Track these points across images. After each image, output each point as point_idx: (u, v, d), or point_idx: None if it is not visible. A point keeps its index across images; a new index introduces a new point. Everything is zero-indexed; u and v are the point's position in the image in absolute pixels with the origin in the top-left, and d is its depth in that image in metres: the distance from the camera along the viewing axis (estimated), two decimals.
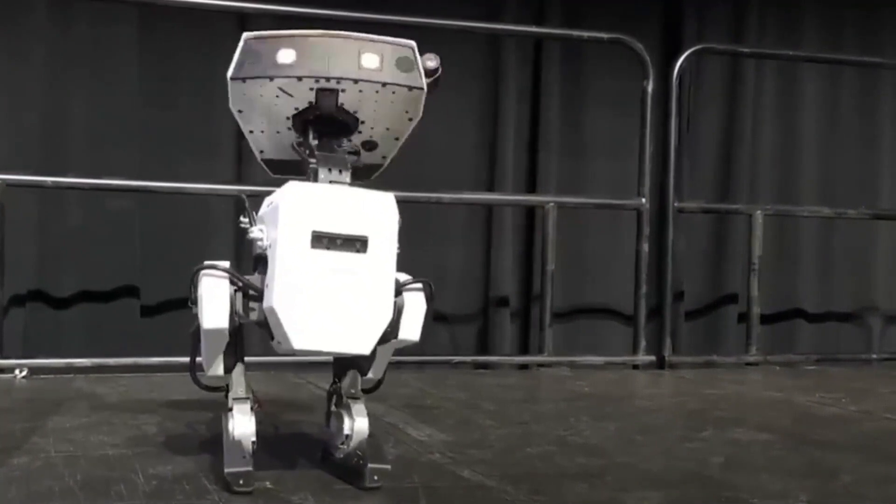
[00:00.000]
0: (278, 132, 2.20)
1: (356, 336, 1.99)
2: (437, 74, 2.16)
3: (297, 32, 2.06)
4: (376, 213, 2.01)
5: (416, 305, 2.10)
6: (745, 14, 5.25)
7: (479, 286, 4.87)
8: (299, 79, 2.05)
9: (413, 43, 2.14)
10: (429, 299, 2.12)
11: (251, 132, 2.21)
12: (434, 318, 4.80)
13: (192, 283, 2.05)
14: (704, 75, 5.15)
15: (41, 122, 4.19)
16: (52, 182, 3.87)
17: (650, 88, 4.46)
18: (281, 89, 2.06)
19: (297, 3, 4.16)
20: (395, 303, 2.05)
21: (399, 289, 2.08)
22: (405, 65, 2.11)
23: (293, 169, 2.29)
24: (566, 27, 4.85)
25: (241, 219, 2.12)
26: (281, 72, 2.03)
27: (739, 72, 5.21)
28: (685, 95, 4.97)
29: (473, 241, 4.88)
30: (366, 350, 2.01)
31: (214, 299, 2.01)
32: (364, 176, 2.26)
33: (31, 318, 4.14)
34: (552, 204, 4.39)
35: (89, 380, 3.56)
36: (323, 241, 1.96)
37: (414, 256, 4.93)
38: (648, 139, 4.47)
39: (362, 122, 2.17)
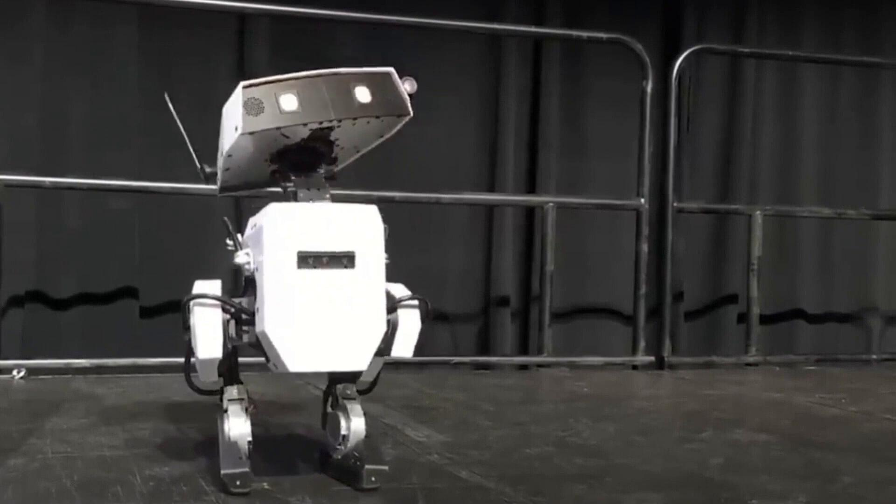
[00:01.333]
0: (253, 165, 2.21)
1: (351, 352, 1.99)
2: (413, 97, 2.18)
3: (292, 76, 2.06)
4: (361, 227, 2.01)
5: (410, 323, 2.11)
6: (744, 14, 5.25)
7: (478, 286, 4.87)
8: (304, 124, 2.05)
9: (392, 69, 2.15)
10: (424, 316, 2.12)
11: (227, 169, 2.21)
12: (434, 318, 4.82)
13: (185, 309, 2.05)
14: (704, 75, 5.15)
15: (40, 122, 4.18)
16: (51, 183, 3.87)
17: (650, 88, 4.46)
18: (282, 134, 2.07)
19: (298, 4, 4.15)
20: (389, 319, 2.05)
21: (394, 305, 2.08)
22: (392, 93, 2.12)
23: (242, 189, 2.34)
24: (566, 27, 4.84)
25: (227, 241, 2.12)
26: (287, 121, 2.03)
27: (739, 72, 5.20)
28: (685, 95, 4.97)
29: (473, 242, 4.87)
30: (362, 366, 2.02)
31: (208, 330, 2.01)
32: None
33: (30, 318, 4.14)
34: (552, 204, 4.39)
35: (88, 381, 3.56)
36: (309, 260, 1.96)
37: (414, 257, 4.96)
38: (648, 139, 4.47)
39: (337, 146, 2.19)
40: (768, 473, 2.37)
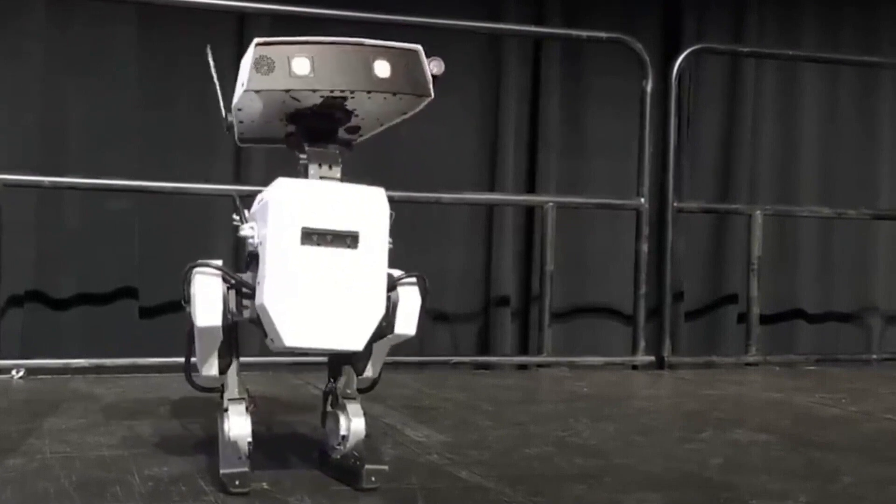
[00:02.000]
0: (268, 122, 2.19)
1: (349, 332, 1.98)
2: (439, 78, 2.15)
3: (309, 39, 2.04)
4: (367, 208, 2.00)
5: (410, 299, 2.09)
6: (744, 14, 5.24)
7: (478, 286, 4.87)
8: (314, 90, 2.04)
9: (420, 47, 2.13)
10: (423, 293, 2.11)
11: (241, 122, 2.20)
12: (434, 318, 4.83)
13: (185, 282, 2.04)
14: (704, 75, 5.15)
15: (39, 122, 4.18)
16: (50, 182, 3.86)
17: (650, 88, 4.45)
18: (292, 97, 2.06)
19: (298, 3, 4.14)
20: (389, 298, 2.04)
21: (393, 283, 2.07)
22: (415, 71, 2.10)
23: (261, 142, 2.31)
24: (566, 27, 4.84)
25: (234, 217, 2.11)
26: (297, 84, 2.01)
27: (739, 72, 5.20)
28: (685, 95, 4.96)
29: (473, 241, 4.87)
30: (359, 346, 2.00)
31: (207, 297, 2.00)
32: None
33: (29, 318, 4.13)
34: (552, 204, 4.39)
35: (87, 380, 3.56)
36: (313, 237, 1.95)
37: (414, 256, 4.93)
38: (648, 139, 4.46)
39: (356, 116, 2.17)
40: (768, 473, 2.36)
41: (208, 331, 2.03)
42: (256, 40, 2.01)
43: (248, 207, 2.15)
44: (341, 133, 2.20)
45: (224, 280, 2.03)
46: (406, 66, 2.09)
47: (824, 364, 4.78)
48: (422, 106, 2.16)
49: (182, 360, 2.19)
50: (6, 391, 3.38)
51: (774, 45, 5.26)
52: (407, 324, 2.08)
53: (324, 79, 2.02)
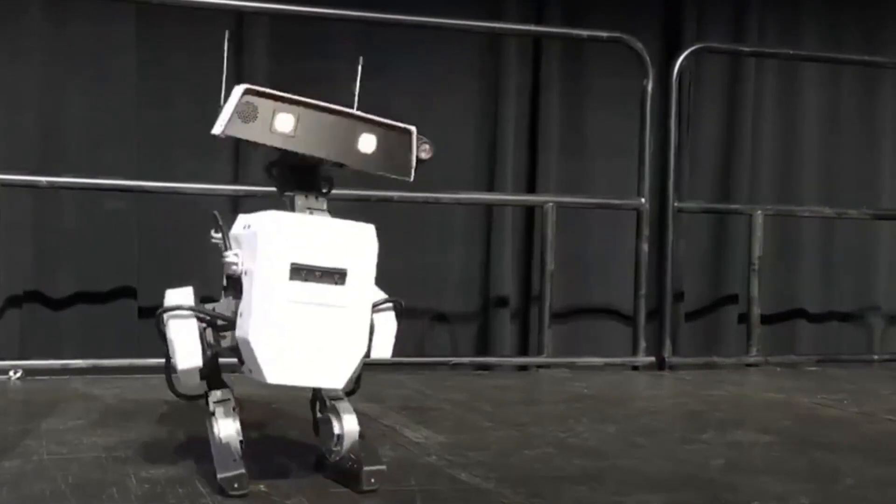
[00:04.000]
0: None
1: (331, 371, 1.98)
2: (425, 163, 2.13)
3: (297, 99, 2.02)
4: (356, 246, 1.99)
5: (387, 324, 2.10)
6: (745, 14, 5.24)
7: (478, 286, 4.86)
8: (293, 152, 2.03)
9: (413, 129, 2.10)
10: (399, 316, 2.12)
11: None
12: (433, 318, 4.81)
13: (159, 321, 2.04)
14: (705, 74, 5.14)
15: (37, 121, 4.17)
16: (48, 182, 3.84)
17: (650, 88, 4.44)
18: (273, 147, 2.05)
19: (297, 3, 4.13)
20: None
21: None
22: (400, 152, 2.08)
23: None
24: (566, 26, 4.83)
25: (213, 233, 2.09)
26: (276, 142, 2.00)
27: (739, 71, 5.19)
28: (685, 95, 4.95)
29: (473, 242, 4.86)
30: (340, 384, 2.01)
31: (185, 341, 2.00)
32: None
33: (27, 319, 4.13)
34: (552, 204, 4.37)
35: (85, 381, 3.54)
36: (301, 272, 1.94)
37: (414, 257, 4.94)
38: (648, 139, 4.45)
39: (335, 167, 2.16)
40: (769, 474, 2.35)
41: (190, 371, 2.04)
42: (245, 86, 1.98)
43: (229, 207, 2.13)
44: (324, 169, 2.19)
45: (199, 319, 2.03)
46: (392, 146, 2.08)
47: (825, 364, 4.77)
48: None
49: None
50: (4, 392, 3.37)
51: (775, 44, 5.25)
52: (383, 348, 2.10)
53: (304, 143, 2.02)
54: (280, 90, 2.03)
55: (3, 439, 2.47)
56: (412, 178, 2.10)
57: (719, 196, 5.15)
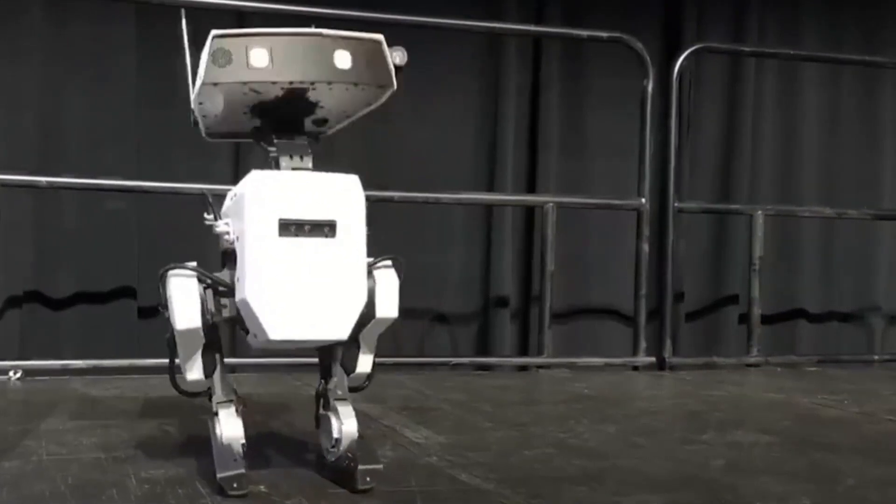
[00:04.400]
0: (232, 116, 2.18)
1: (333, 322, 1.97)
2: (403, 69, 2.13)
3: (267, 31, 2.02)
4: (343, 197, 1.99)
5: (388, 281, 2.08)
6: (745, 14, 5.23)
7: (478, 287, 4.86)
8: (273, 82, 2.02)
9: (381, 37, 2.10)
10: (400, 273, 2.10)
11: (205, 116, 2.19)
12: (433, 318, 4.80)
13: (160, 285, 2.03)
14: (705, 74, 5.14)
15: (37, 121, 4.16)
16: (47, 182, 3.84)
17: (650, 88, 4.44)
18: (252, 89, 2.04)
19: (297, 3, 4.13)
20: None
21: (368, 269, 2.05)
22: (377, 62, 2.08)
23: (229, 136, 2.30)
24: (566, 26, 4.83)
25: (206, 215, 2.10)
26: (255, 76, 2.00)
27: (739, 71, 5.19)
28: (685, 95, 4.95)
29: (473, 242, 4.86)
30: (343, 335, 1.99)
31: (185, 299, 1.99)
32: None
33: (27, 319, 4.12)
34: (552, 204, 4.37)
35: (84, 382, 3.54)
36: (291, 228, 1.94)
37: (414, 257, 4.91)
38: (648, 139, 4.45)
39: (321, 107, 2.15)
40: (770, 475, 2.35)
41: (188, 333, 2.02)
42: (214, 32, 1.99)
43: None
44: (308, 125, 2.19)
45: (200, 280, 2.02)
46: (367, 57, 2.07)
47: (826, 365, 4.77)
48: (386, 97, 2.15)
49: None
50: (3, 392, 3.37)
51: (775, 44, 5.25)
52: (388, 306, 2.08)
53: (283, 70, 2.01)
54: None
55: (2, 440, 2.46)
56: (395, 85, 2.10)
57: (719, 196, 5.15)
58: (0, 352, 3.81)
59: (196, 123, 2.25)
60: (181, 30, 2.21)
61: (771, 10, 5.29)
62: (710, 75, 5.17)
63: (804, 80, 5.34)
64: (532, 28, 4.86)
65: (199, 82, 2.00)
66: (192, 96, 2.10)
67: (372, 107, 2.20)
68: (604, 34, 4.49)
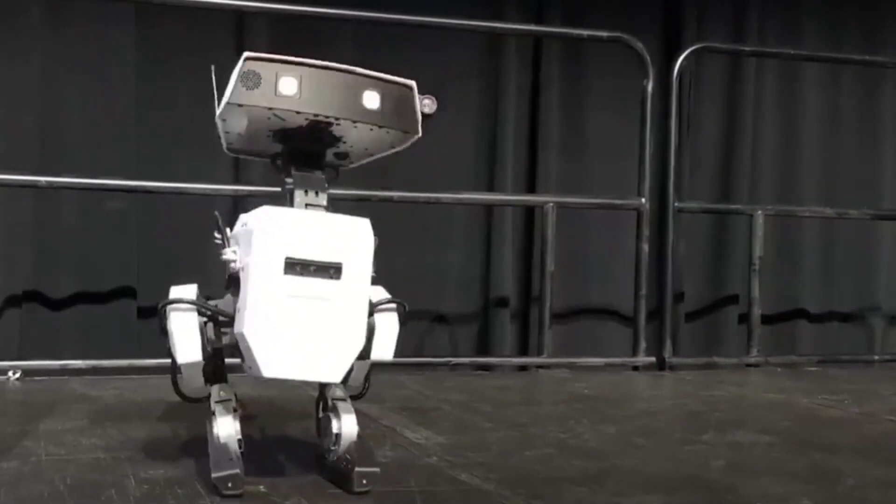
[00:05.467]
0: (254, 137, 2.18)
1: (328, 364, 1.98)
2: (431, 118, 2.13)
3: (299, 60, 2.01)
4: (351, 240, 1.99)
5: (388, 326, 2.10)
6: (745, 14, 5.23)
7: (478, 287, 4.85)
8: (298, 112, 2.02)
9: (413, 83, 2.11)
10: (402, 320, 2.11)
11: (227, 133, 2.19)
12: (433, 318, 4.79)
13: (160, 316, 2.04)
14: (705, 74, 5.13)
15: (37, 121, 4.16)
16: (46, 182, 3.83)
17: (650, 88, 4.43)
18: (276, 115, 2.04)
19: (297, 3, 4.12)
20: (367, 323, 2.03)
21: (371, 309, 2.07)
22: (405, 107, 2.08)
23: (250, 154, 2.30)
24: (566, 26, 4.83)
25: (215, 235, 2.11)
26: (281, 104, 1.99)
27: (739, 71, 5.19)
28: (685, 95, 4.95)
29: (473, 242, 4.86)
30: (337, 378, 2.01)
31: (185, 335, 2.01)
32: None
33: (26, 319, 4.12)
34: (552, 204, 4.37)
35: (84, 382, 3.53)
36: (296, 267, 1.94)
37: (414, 257, 4.93)
38: (648, 139, 4.45)
39: (344, 142, 2.16)
40: (770, 475, 2.35)
41: (190, 366, 2.04)
42: (247, 54, 1.99)
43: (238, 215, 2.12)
44: (329, 157, 2.19)
45: (200, 313, 2.03)
46: (396, 101, 2.08)
47: (826, 365, 4.76)
48: (410, 143, 2.15)
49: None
50: (2, 393, 3.37)
51: (775, 44, 5.24)
52: (384, 350, 2.10)
53: (309, 102, 2.01)
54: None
55: (1, 440, 2.46)
56: (420, 133, 2.10)
57: (719, 196, 5.15)
58: None
59: (229, 149, 2.26)
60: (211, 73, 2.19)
61: (771, 10, 5.29)
62: (710, 75, 5.16)
63: (804, 80, 5.34)
64: (532, 28, 4.86)
65: (224, 100, 2.00)
66: (217, 112, 2.09)
67: (395, 150, 2.20)
68: (604, 34, 4.48)
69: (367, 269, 2.00)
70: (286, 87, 1.99)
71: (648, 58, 4.44)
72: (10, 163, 3.91)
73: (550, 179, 4.90)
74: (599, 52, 4.83)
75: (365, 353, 2.06)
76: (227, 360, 2.17)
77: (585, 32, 4.55)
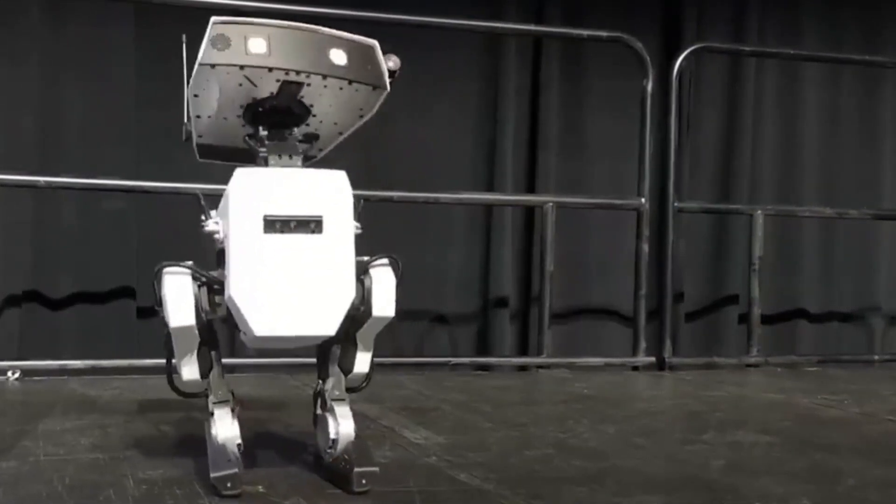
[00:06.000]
0: (226, 119, 2.17)
1: (320, 317, 1.95)
2: (396, 75, 2.13)
3: (266, 21, 2.03)
4: (329, 192, 1.98)
5: (384, 280, 2.06)
6: (745, 13, 5.23)
7: (478, 287, 4.85)
8: (269, 70, 2.02)
9: (376, 42, 2.13)
10: (397, 273, 2.08)
11: (198, 117, 2.18)
12: (433, 318, 4.79)
13: (155, 283, 2.02)
14: (705, 74, 5.13)
15: (36, 122, 4.16)
16: (46, 182, 3.83)
17: (650, 88, 4.43)
18: (247, 78, 2.03)
19: (297, 3, 4.12)
20: (362, 282, 2.02)
21: (365, 267, 2.05)
22: (371, 63, 2.09)
23: (222, 155, 2.30)
24: (566, 26, 4.83)
25: (202, 217, 2.10)
26: (252, 61, 2.00)
27: (740, 71, 5.19)
28: (685, 94, 4.95)
29: (473, 242, 4.86)
30: (331, 331, 1.98)
31: (179, 296, 1.99)
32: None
33: (26, 319, 4.12)
34: (551, 204, 4.37)
35: (83, 382, 3.53)
36: (276, 224, 1.93)
37: (413, 257, 4.92)
38: (648, 139, 4.45)
39: (313, 116, 2.15)
40: (770, 475, 2.35)
41: (183, 331, 2.01)
42: (214, 18, 2.00)
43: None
44: (300, 139, 2.18)
45: (194, 278, 2.02)
46: (362, 57, 2.09)
47: (826, 365, 4.76)
48: (378, 104, 2.15)
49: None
50: (1, 392, 3.37)
51: (775, 44, 5.25)
52: (385, 305, 2.05)
53: (279, 59, 2.01)
54: None
55: (0, 440, 2.46)
56: (388, 88, 2.11)
57: (719, 196, 5.15)
58: None
59: (189, 137, 2.25)
60: (182, 54, 2.20)
61: (771, 10, 5.29)
62: (710, 75, 5.16)
63: (804, 79, 5.34)
64: (532, 28, 4.86)
65: (196, 65, 2.00)
66: (188, 87, 2.09)
67: (363, 119, 2.20)
68: (603, 34, 4.49)
69: (349, 220, 1.99)
70: (256, 46, 2.00)
71: (648, 58, 4.44)
72: (10, 163, 3.91)
73: (550, 179, 4.91)
74: (599, 52, 4.83)
75: (366, 313, 2.04)
76: (225, 361, 2.16)
77: (585, 32, 4.56)
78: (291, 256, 1.93)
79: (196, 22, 4.31)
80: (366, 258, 2.07)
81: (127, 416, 2.84)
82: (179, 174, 4.08)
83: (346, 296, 1.98)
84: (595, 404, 3.46)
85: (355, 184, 3.69)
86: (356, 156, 4.30)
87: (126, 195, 4.16)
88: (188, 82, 2.09)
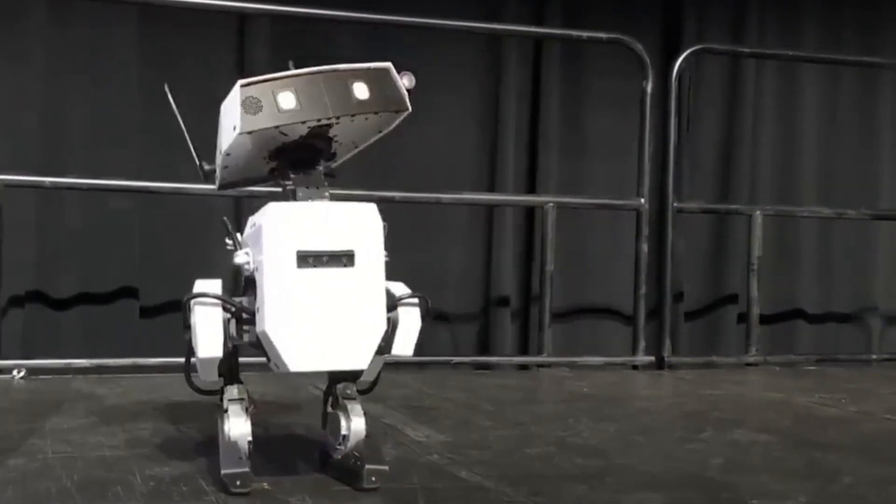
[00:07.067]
0: (251, 162, 2.21)
1: (352, 352, 1.99)
2: (412, 91, 2.17)
3: (289, 74, 2.07)
4: (360, 226, 2.01)
5: (410, 321, 2.10)
6: (745, 14, 5.24)
7: (478, 286, 4.86)
8: (303, 122, 2.05)
9: (389, 63, 2.16)
10: (424, 315, 2.12)
11: (226, 167, 2.21)
12: (434, 318, 4.81)
13: (185, 309, 2.05)
14: (704, 75, 5.14)
15: (40, 122, 4.18)
16: (51, 183, 3.86)
17: (650, 88, 4.45)
18: (281, 131, 2.07)
19: (298, 4, 4.14)
20: (389, 318, 2.05)
21: (394, 303, 2.08)
22: (390, 88, 2.13)
23: (241, 183, 2.35)
24: (566, 27, 4.84)
25: (227, 241, 2.12)
26: (285, 119, 2.03)
27: (739, 72, 5.20)
28: (685, 95, 4.96)
29: (473, 242, 4.87)
30: (363, 365, 2.02)
31: (208, 329, 2.02)
32: None
33: (30, 318, 4.13)
34: (552, 204, 4.39)
35: (88, 381, 3.56)
36: (308, 259, 1.96)
37: (414, 257, 4.95)
38: (648, 139, 4.46)
39: (336, 142, 2.19)
40: (768, 474, 2.37)
41: (210, 361, 2.05)
42: (240, 82, 2.03)
43: (242, 217, 2.15)
44: (322, 164, 2.21)
45: (224, 309, 2.05)
46: (381, 84, 2.12)
47: (824, 364, 4.78)
48: (398, 121, 2.19)
49: (182, 359, 2.20)
50: (7, 391, 3.39)
51: (775, 45, 5.25)
52: (405, 345, 2.10)
53: (311, 110, 2.05)
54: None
55: (7, 438, 2.48)
56: (409, 108, 2.14)
57: (719, 196, 5.16)
58: (4, 351, 3.82)
59: (208, 176, 2.28)
60: (172, 103, 2.24)
61: (771, 10, 5.30)
62: (710, 76, 5.18)
63: (804, 80, 5.35)
64: (532, 29, 4.87)
65: (233, 133, 2.03)
66: (221, 148, 2.12)
67: (381, 133, 2.23)
68: (603, 35, 4.50)
69: (380, 253, 2.02)
70: (286, 101, 2.03)
71: (648, 59, 4.46)
72: (15, 164, 3.92)
73: (550, 180, 4.92)
74: (599, 53, 4.85)
75: (386, 348, 2.07)
76: (242, 359, 2.19)
77: (585, 34, 4.57)
78: (324, 290, 1.96)
79: (197, 22, 4.37)
80: (396, 289, 2.10)
81: (133, 415, 2.86)
82: (182, 174, 4.10)
83: (378, 329, 2.01)
84: (595, 403, 3.48)
85: (356, 184, 3.74)
86: (358, 156, 4.32)
87: (130, 195, 4.17)
88: (186, 130, 2.13)
